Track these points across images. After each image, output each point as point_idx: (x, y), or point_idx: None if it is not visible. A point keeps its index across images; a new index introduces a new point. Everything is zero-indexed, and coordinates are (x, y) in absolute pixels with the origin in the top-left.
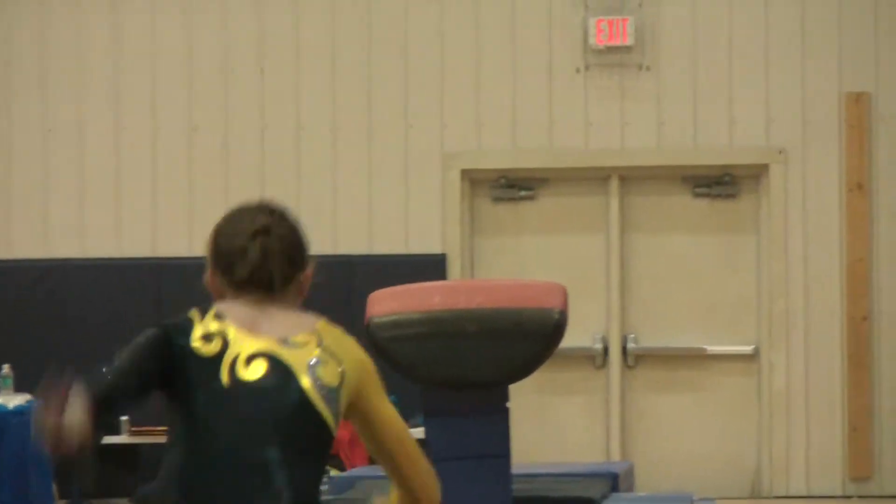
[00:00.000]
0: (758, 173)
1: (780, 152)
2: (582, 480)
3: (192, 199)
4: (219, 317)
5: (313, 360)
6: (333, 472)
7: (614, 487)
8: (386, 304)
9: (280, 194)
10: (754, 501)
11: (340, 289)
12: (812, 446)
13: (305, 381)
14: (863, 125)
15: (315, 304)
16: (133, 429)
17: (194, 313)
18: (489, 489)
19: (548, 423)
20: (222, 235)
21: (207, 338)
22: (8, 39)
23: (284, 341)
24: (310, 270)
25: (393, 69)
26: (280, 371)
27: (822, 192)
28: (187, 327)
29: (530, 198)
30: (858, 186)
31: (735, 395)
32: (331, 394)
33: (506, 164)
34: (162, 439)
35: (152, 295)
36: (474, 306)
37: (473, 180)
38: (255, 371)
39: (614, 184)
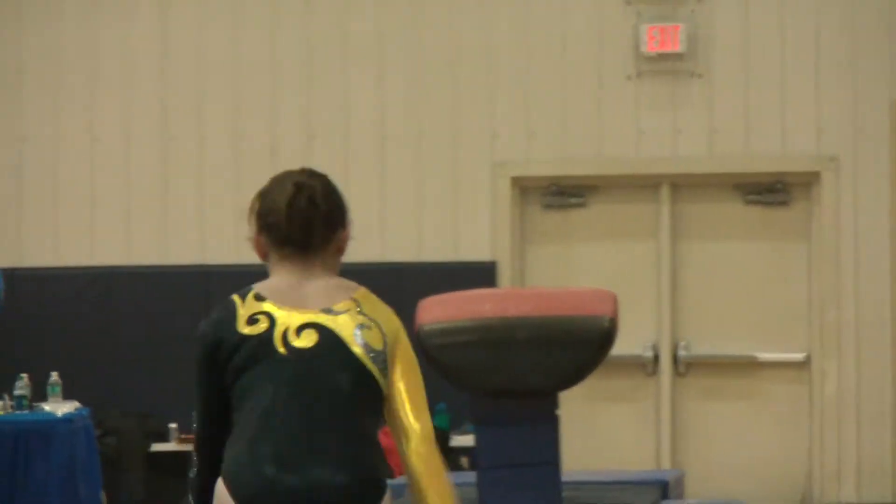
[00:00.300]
0: (809, 181)
1: (832, 160)
2: (632, 488)
3: (239, 206)
4: (259, 298)
5: (358, 327)
6: None
7: (664, 495)
8: (436, 311)
9: None
10: None
11: (389, 296)
12: (863, 455)
13: (356, 347)
14: None
15: None
16: (182, 436)
17: (235, 297)
18: (539, 497)
19: (598, 431)
20: (264, 197)
21: (252, 320)
22: (55, 49)
23: (328, 311)
24: (348, 230)
25: (442, 76)
26: (331, 339)
27: (873, 199)
28: (231, 317)
29: (581, 205)
30: None
31: (786, 403)
32: (378, 356)
33: (556, 172)
34: None
35: (200, 302)
36: (524, 314)
37: (524, 188)
38: (307, 339)
39: (665, 191)
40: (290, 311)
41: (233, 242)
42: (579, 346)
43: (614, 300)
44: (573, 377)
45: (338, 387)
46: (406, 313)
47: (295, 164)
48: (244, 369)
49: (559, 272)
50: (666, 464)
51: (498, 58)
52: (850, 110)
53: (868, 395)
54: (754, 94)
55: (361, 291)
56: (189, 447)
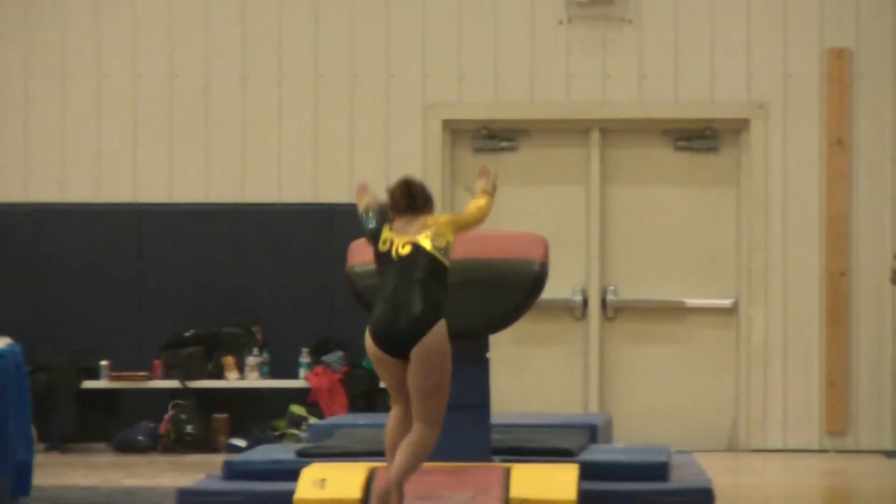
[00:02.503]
0: (739, 128)
1: (761, 107)
2: (560, 431)
3: (172, 145)
4: (391, 230)
5: (431, 237)
6: (312, 420)
7: (592, 439)
8: (367, 253)
9: (261, 142)
10: (731, 454)
11: (321, 237)
12: (789, 400)
13: (429, 246)
14: (843, 81)
15: (296, 252)
16: (113, 374)
17: (385, 226)
18: (468, 439)
19: (527, 374)
20: (391, 190)
21: (385, 242)
22: None
23: (417, 234)
24: (432, 206)
25: (375, 19)
26: (417, 248)
27: (802, 147)
28: (380, 233)
29: (511, 149)
30: (839, 142)
31: (713, 348)
32: (442, 249)
33: (487, 116)
34: (140, 384)
35: (132, 240)
36: (456, 257)
37: (455, 131)
38: (406, 249)
39: (595, 136)
40: (400, 237)
41: (165, 181)
42: (510, 290)
43: (545, 245)
44: (503, 320)
45: (419, 272)
46: (337, 254)
47: (229, 103)
48: (378, 264)
49: (489, 216)
50: (594, 407)
51: (430, 1)
52: (779, 58)
53: (795, 341)
54: (684, 41)
55: (430, 220)
56: (119, 384)
